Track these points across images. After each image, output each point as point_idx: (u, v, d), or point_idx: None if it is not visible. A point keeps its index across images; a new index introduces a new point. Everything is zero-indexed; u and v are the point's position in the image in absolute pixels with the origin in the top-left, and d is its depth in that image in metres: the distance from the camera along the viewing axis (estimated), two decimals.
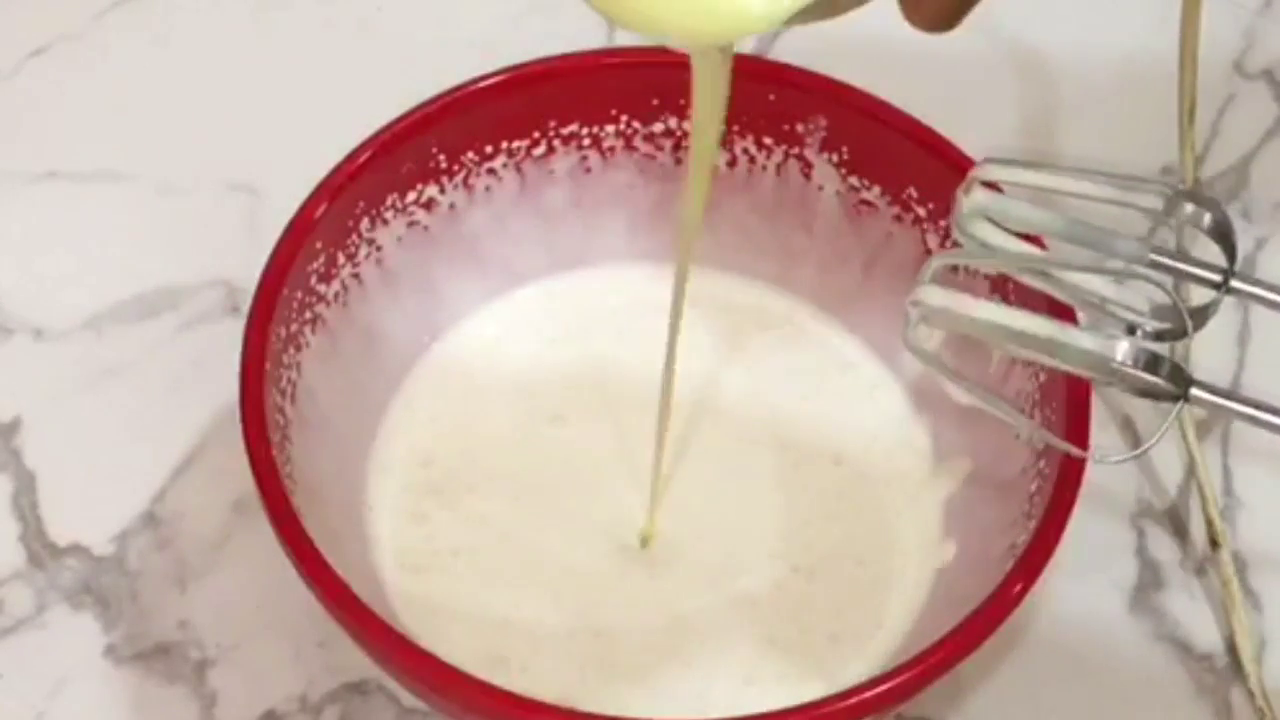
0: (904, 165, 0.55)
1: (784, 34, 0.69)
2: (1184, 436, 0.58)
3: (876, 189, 0.56)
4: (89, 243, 0.63)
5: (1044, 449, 0.51)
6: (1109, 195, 0.47)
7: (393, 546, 0.53)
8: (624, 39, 0.68)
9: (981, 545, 0.52)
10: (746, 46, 0.68)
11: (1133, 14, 0.68)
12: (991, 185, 0.48)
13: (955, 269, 0.52)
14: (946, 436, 0.55)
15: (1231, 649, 0.55)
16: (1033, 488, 0.50)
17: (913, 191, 0.56)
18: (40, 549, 0.57)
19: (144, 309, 0.61)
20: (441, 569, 0.53)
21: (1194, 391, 0.44)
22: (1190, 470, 0.58)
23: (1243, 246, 0.64)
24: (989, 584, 0.47)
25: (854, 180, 0.57)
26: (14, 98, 0.67)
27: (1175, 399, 0.44)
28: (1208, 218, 0.46)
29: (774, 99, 0.56)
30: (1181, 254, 0.46)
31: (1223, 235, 0.46)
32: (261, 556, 0.52)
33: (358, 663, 0.51)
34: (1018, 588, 0.47)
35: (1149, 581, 0.57)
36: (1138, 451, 0.44)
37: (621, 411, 0.56)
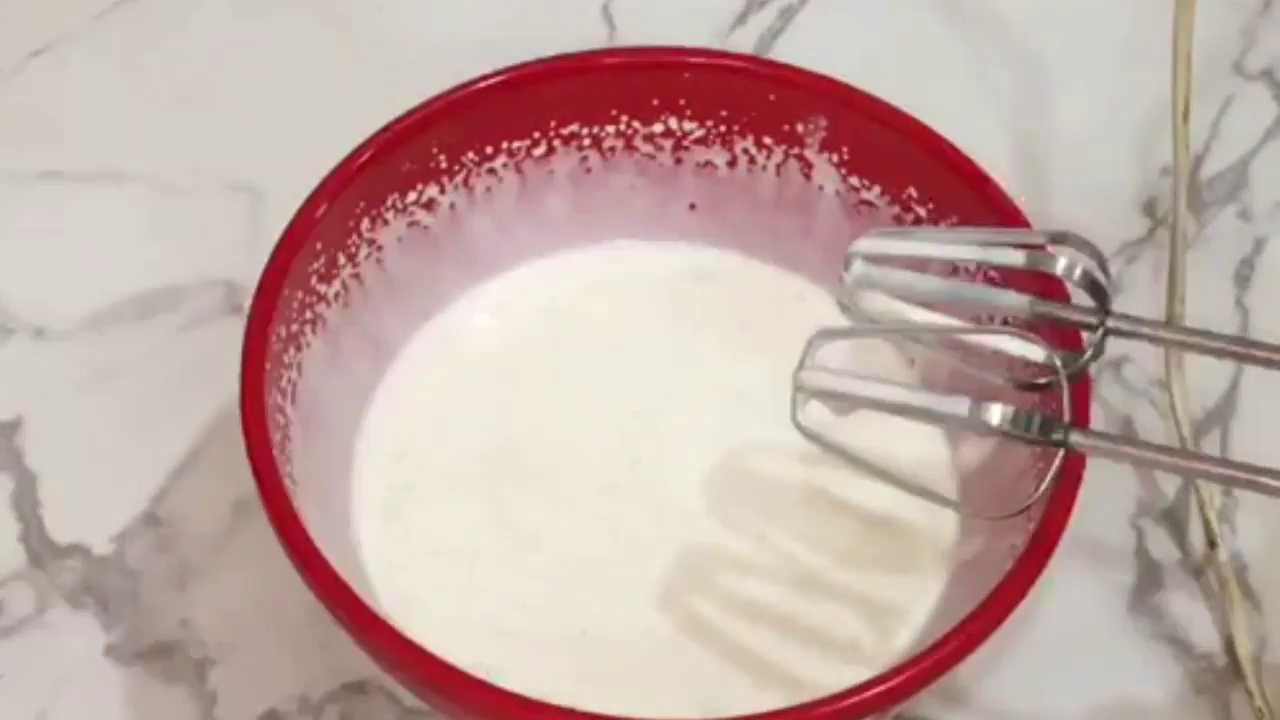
0: (904, 165, 0.55)
1: (784, 34, 0.69)
2: (1180, 439, 0.58)
3: (876, 189, 0.56)
4: (89, 243, 0.63)
5: (1044, 449, 0.51)
6: (973, 256, 0.50)
7: (371, 543, 0.53)
8: (624, 39, 0.68)
9: (982, 545, 0.52)
10: (746, 46, 0.68)
11: (1133, 15, 0.68)
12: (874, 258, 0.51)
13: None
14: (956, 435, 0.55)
15: (1230, 649, 0.55)
16: (1032, 488, 0.50)
17: (913, 191, 0.56)
18: (41, 549, 0.57)
19: (144, 309, 0.62)
20: (419, 571, 0.53)
21: (1073, 438, 0.46)
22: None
23: (1242, 247, 0.64)
24: (989, 584, 0.47)
25: (854, 180, 0.57)
26: (14, 98, 0.67)
27: (1057, 447, 0.46)
28: (1079, 268, 0.48)
29: (774, 99, 0.56)
30: (1060, 303, 0.49)
31: (1091, 283, 0.48)
32: (261, 556, 0.52)
33: (358, 663, 0.51)
34: (1018, 587, 0.47)
35: (1148, 581, 0.57)
36: (1020, 509, 0.46)
37: (620, 407, 0.56)
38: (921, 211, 0.55)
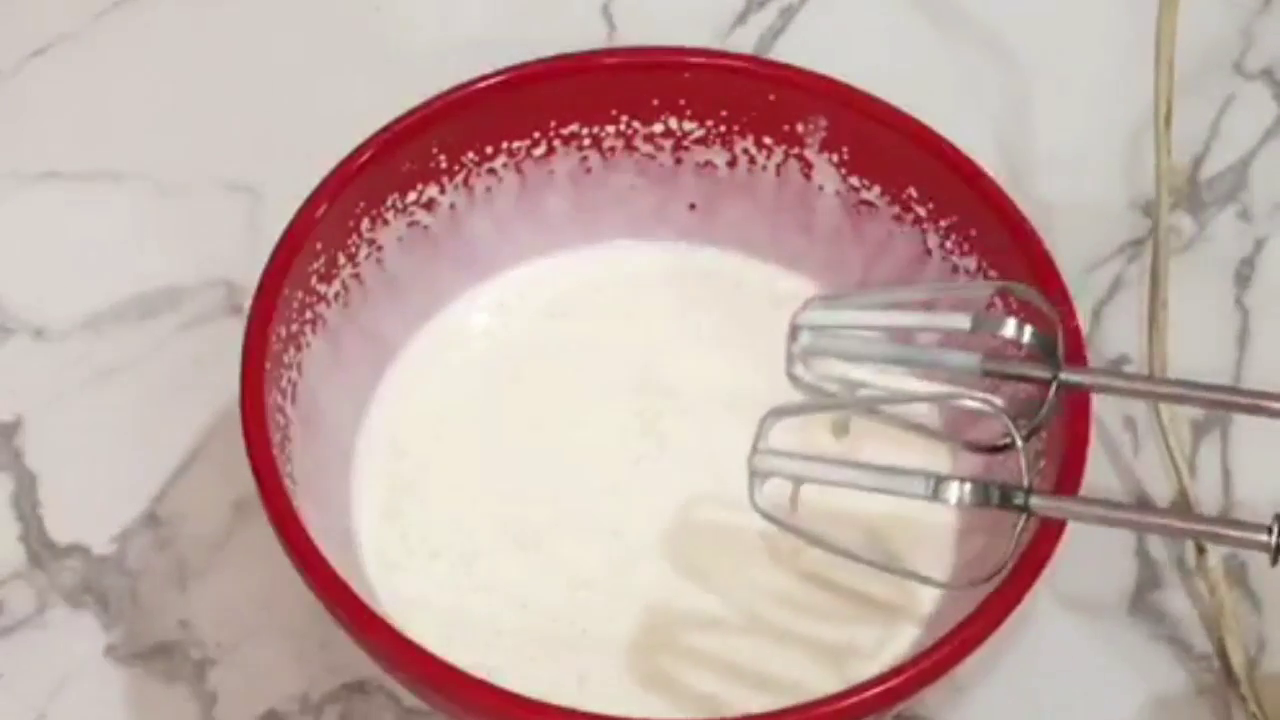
0: (904, 165, 0.55)
1: (784, 34, 0.69)
2: (1166, 446, 0.58)
3: (876, 189, 0.56)
4: (89, 243, 0.63)
5: (1044, 449, 0.51)
6: (918, 324, 0.51)
7: (371, 543, 0.53)
8: (624, 39, 0.68)
9: (982, 546, 0.52)
10: (746, 46, 0.68)
11: (1132, 15, 0.68)
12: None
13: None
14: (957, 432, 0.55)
15: (1223, 654, 0.55)
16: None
17: (913, 191, 0.56)
18: (41, 549, 0.57)
19: (144, 309, 0.61)
20: (419, 571, 0.53)
21: (1033, 501, 0.47)
22: (1179, 474, 0.58)
23: (1242, 247, 0.64)
24: (989, 584, 0.47)
25: (854, 180, 0.57)
26: (14, 98, 0.67)
27: (1019, 511, 0.46)
28: (1027, 330, 0.48)
29: (774, 99, 0.56)
30: (1011, 359, 0.49)
31: (1041, 340, 0.48)
32: (261, 556, 0.52)
33: (358, 663, 0.51)
34: (1018, 588, 0.47)
35: (1149, 581, 0.57)
36: (989, 576, 0.47)
37: (620, 407, 0.56)
38: (921, 211, 0.55)
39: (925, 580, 0.50)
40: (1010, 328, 0.48)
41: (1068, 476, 0.49)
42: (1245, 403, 0.47)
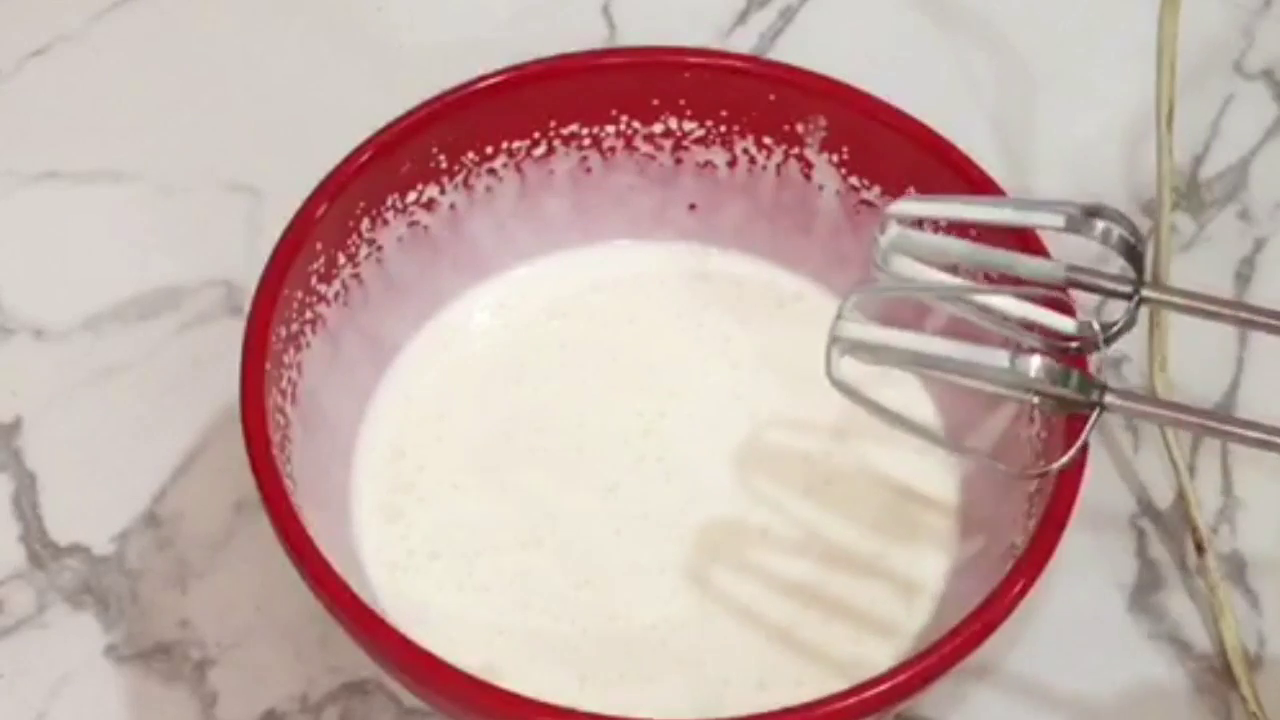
0: (904, 165, 0.55)
1: (784, 34, 0.69)
2: (1165, 445, 0.58)
3: (876, 189, 0.56)
4: (89, 243, 0.63)
5: (1043, 449, 0.51)
6: (1011, 220, 0.50)
7: (371, 543, 0.53)
8: (624, 39, 0.68)
9: (982, 545, 0.52)
10: (746, 46, 0.69)
11: (1134, 13, 0.68)
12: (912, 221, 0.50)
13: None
14: (957, 428, 0.55)
15: (1223, 654, 0.55)
16: (1032, 488, 0.50)
17: (913, 191, 0.56)
18: (41, 549, 0.57)
19: (144, 309, 0.62)
20: (419, 571, 0.53)
21: (1109, 399, 0.46)
22: (1178, 474, 0.58)
23: (1242, 247, 0.64)
24: (989, 584, 0.47)
25: (854, 180, 0.57)
26: (14, 98, 0.67)
27: (1092, 408, 0.46)
28: (1116, 233, 0.48)
29: (774, 99, 0.56)
30: (1093, 271, 0.48)
31: (1129, 248, 0.48)
32: (261, 556, 0.52)
33: (358, 663, 0.51)
34: (1018, 588, 0.47)
35: (1148, 581, 0.57)
36: (1044, 470, 0.47)
37: (621, 407, 0.56)
38: None
39: (975, 455, 0.50)
40: (1099, 229, 0.48)
41: (1070, 471, 0.49)
42: None
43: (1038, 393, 0.47)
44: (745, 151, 0.57)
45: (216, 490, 0.57)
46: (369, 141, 0.54)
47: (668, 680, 0.51)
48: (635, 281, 0.59)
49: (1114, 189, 0.65)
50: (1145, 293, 0.48)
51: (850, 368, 0.48)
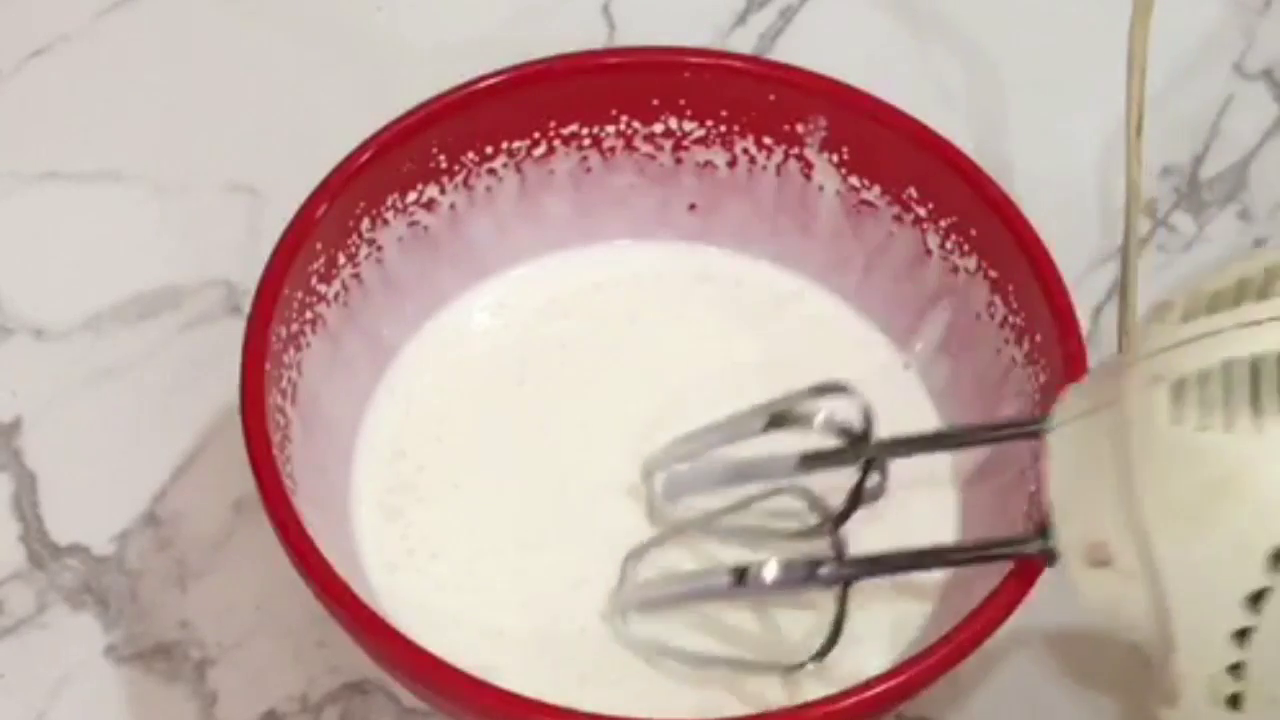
0: (904, 165, 0.55)
1: (784, 34, 0.69)
2: None
3: (876, 189, 0.56)
4: (89, 243, 0.63)
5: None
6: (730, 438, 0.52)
7: (371, 543, 0.53)
8: (624, 39, 0.68)
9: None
10: (746, 46, 0.69)
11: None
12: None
13: None
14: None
15: None
16: (1033, 488, 0.50)
17: (913, 191, 0.56)
18: (40, 549, 0.57)
19: (144, 309, 0.62)
20: (419, 571, 0.53)
21: (840, 572, 0.49)
22: None
23: (1242, 247, 0.64)
24: (989, 584, 0.47)
25: (854, 180, 0.57)
26: (14, 98, 0.67)
27: (844, 583, 0.49)
28: (837, 419, 0.50)
29: (774, 99, 0.56)
30: (819, 454, 0.51)
31: (839, 430, 0.50)
32: (261, 556, 0.52)
33: (358, 663, 0.51)
34: (1017, 588, 0.47)
35: None
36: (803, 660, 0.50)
37: (621, 407, 0.56)
38: (921, 211, 0.55)
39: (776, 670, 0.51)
40: (820, 420, 0.50)
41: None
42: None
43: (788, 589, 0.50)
44: (745, 151, 0.57)
45: (216, 490, 0.57)
46: (369, 141, 0.54)
47: (665, 681, 0.51)
48: (635, 281, 0.59)
49: (1113, 189, 0.65)
50: (872, 455, 0.50)
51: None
